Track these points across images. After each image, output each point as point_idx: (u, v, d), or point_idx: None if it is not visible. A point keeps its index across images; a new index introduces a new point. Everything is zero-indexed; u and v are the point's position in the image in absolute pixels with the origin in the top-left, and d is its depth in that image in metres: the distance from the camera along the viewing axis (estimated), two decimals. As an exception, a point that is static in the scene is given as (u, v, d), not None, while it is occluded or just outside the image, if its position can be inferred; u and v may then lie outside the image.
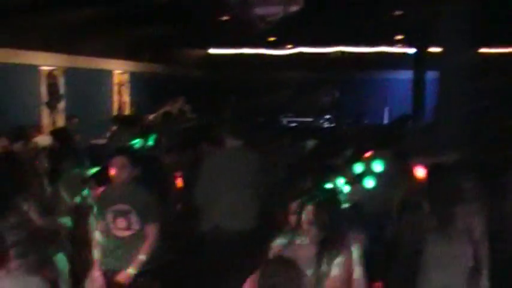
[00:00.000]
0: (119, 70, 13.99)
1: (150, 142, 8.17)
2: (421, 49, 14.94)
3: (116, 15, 10.36)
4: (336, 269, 3.47)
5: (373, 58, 16.78)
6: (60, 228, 5.87)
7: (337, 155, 6.71)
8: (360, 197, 5.65)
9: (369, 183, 6.01)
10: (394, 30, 13.26)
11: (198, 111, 14.95)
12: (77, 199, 5.93)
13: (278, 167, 7.44)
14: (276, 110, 15.72)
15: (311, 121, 15.29)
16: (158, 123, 11.00)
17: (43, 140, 8.87)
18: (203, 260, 6.67)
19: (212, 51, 18.71)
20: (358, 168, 6.29)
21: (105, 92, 13.49)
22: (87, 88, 12.52)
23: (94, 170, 6.18)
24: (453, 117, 7.25)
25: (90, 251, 5.14)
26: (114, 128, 10.29)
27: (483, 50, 12.35)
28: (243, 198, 5.65)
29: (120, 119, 10.61)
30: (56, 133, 7.61)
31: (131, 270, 4.65)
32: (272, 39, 14.67)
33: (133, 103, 14.45)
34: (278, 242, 3.71)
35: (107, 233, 4.81)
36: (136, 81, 14.73)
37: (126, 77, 14.29)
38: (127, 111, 14.01)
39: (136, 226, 4.71)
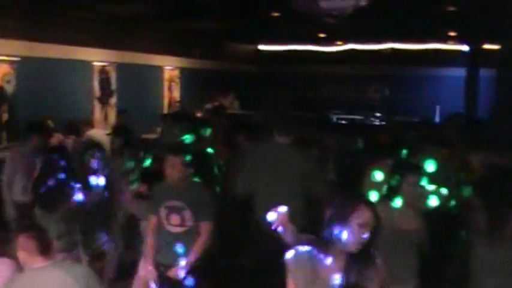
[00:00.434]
0: (170, 66, 14.12)
1: (204, 134, 8.19)
2: (475, 46, 14.64)
3: (167, 12, 10.46)
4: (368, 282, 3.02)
5: (425, 55, 16.51)
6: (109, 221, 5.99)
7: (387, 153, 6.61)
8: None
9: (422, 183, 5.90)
10: (447, 27, 12.99)
11: (247, 107, 15.01)
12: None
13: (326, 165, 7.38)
14: (324, 107, 15.59)
15: (361, 118, 15.10)
16: (209, 117, 11.06)
17: (96, 133, 9.02)
18: (249, 257, 6.69)
19: (262, 46, 18.72)
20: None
21: (156, 87, 13.64)
22: (138, 83, 12.70)
23: (145, 165, 6.24)
24: (510, 115, 7.05)
25: (141, 244, 5.22)
26: (165, 123, 10.39)
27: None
28: (288, 195, 5.58)
29: (171, 115, 10.69)
30: (116, 129, 7.68)
31: (182, 266, 4.69)
32: (322, 35, 14.57)
33: (183, 98, 14.56)
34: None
35: (159, 228, 4.85)
36: (187, 77, 14.84)
37: (176, 72, 14.42)
38: (177, 106, 14.10)
39: (189, 223, 4.74)
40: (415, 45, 16.21)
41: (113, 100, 11.73)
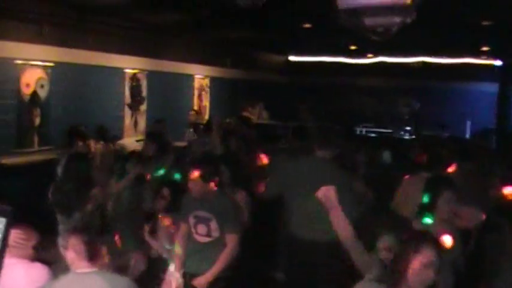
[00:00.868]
0: (200, 75, 14.20)
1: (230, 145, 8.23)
2: (508, 61, 14.47)
3: (198, 21, 10.54)
4: None
5: (456, 69, 16.36)
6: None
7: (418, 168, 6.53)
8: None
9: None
10: (480, 41, 12.86)
11: (276, 117, 15.01)
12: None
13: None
14: (354, 119, 15.52)
15: (390, 132, 15.00)
16: (236, 127, 11.10)
17: (130, 142, 9.12)
18: (278, 269, 6.65)
19: (293, 57, 18.74)
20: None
21: (186, 95, 13.72)
22: (169, 91, 12.79)
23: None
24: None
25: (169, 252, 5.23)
26: (194, 131, 10.46)
27: None
28: (316, 212, 5.51)
29: (200, 123, 10.76)
30: (153, 137, 7.74)
31: (208, 276, 4.69)
32: (353, 47, 14.53)
33: (212, 107, 14.63)
34: None
35: (188, 236, 4.87)
36: (217, 86, 14.91)
37: (206, 81, 14.49)
38: (207, 115, 14.18)
39: (216, 234, 4.73)
40: (447, 59, 16.08)
41: (143, 107, 11.83)
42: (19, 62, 8.59)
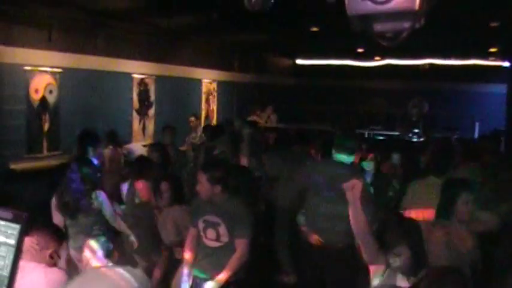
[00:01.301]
0: (208, 79, 14.22)
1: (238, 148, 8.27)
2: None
3: (206, 25, 10.56)
4: None
5: (464, 70, 16.33)
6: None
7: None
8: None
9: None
10: (488, 42, 12.83)
11: (286, 120, 15.02)
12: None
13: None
14: (362, 122, 15.50)
15: (399, 134, 14.94)
16: (244, 131, 11.11)
17: (137, 147, 9.16)
18: (295, 273, 6.63)
19: (300, 60, 18.75)
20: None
21: (194, 100, 13.74)
22: (177, 96, 12.81)
23: None
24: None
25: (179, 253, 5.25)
26: (202, 135, 10.48)
27: None
28: (335, 213, 5.50)
29: (208, 127, 10.78)
30: (155, 147, 7.88)
31: (217, 281, 4.68)
32: (360, 50, 14.53)
33: (221, 112, 14.65)
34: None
35: (198, 240, 4.87)
36: (225, 90, 14.93)
37: (214, 85, 14.51)
38: (215, 119, 14.20)
39: (225, 239, 4.72)
40: (455, 60, 16.05)
41: (151, 112, 11.85)
42: (28, 68, 8.63)
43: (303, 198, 5.62)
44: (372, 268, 3.52)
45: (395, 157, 8.45)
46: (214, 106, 14.55)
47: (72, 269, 5.24)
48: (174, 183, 5.64)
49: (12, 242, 1.91)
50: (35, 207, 5.81)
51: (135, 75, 11.29)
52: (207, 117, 14.10)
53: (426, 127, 15.23)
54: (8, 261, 1.93)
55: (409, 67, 16.69)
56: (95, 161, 6.68)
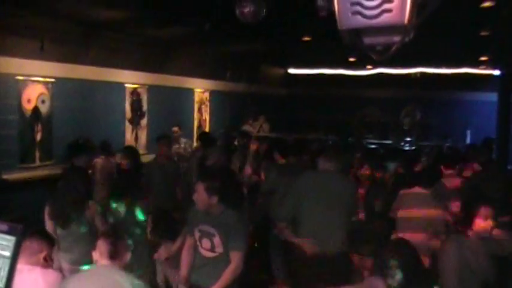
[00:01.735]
0: (200, 88, 14.23)
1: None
2: (506, 70, 14.51)
3: (198, 35, 10.57)
4: None
5: (456, 79, 16.41)
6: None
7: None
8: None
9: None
10: (479, 51, 12.91)
11: (278, 129, 15.03)
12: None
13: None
14: (354, 131, 15.55)
15: (391, 143, 15.00)
16: (237, 141, 11.15)
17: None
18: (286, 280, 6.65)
19: (293, 70, 18.80)
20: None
21: (187, 109, 13.74)
22: (169, 105, 12.80)
23: None
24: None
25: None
26: (196, 145, 10.48)
27: None
28: (331, 222, 5.54)
29: (200, 137, 10.78)
30: (126, 154, 7.91)
31: None
32: (352, 59, 14.58)
33: (213, 121, 14.66)
34: None
35: (194, 249, 4.88)
36: (217, 99, 14.94)
37: (206, 95, 14.52)
38: (207, 129, 14.21)
39: (219, 250, 4.72)
40: (446, 69, 16.13)
41: (144, 122, 11.84)
42: (20, 77, 8.63)
43: (298, 207, 5.65)
44: None
45: (388, 165, 8.50)
46: (206, 115, 14.55)
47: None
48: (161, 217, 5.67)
49: (8, 254, 1.92)
50: (28, 215, 5.81)
51: (127, 85, 11.29)
52: (199, 126, 14.10)
53: (418, 135, 15.32)
54: (4, 273, 1.93)
55: (401, 76, 16.76)
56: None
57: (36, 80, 8.93)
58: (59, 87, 9.34)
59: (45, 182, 7.20)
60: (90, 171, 7.74)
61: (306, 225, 5.58)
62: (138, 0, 7.81)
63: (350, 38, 3.28)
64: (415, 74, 16.78)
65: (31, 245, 3.66)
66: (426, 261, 4.76)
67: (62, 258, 5.55)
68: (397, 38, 3.22)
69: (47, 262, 3.76)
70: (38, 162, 9.03)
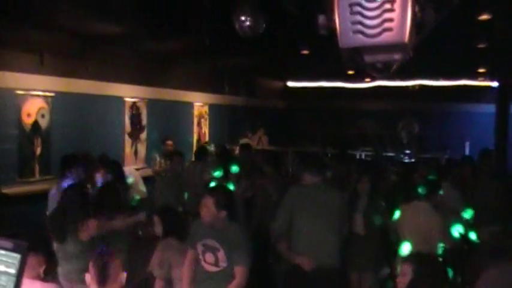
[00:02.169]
0: (199, 102, 14.26)
1: (233, 170, 8.31)
2: (504, 82, 14.55)
3: (197, 50, 10.61)
4: None
5: (454, 91, 16.46)
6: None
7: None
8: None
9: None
10: (477, 63, 12.97)
11: (277, 142, 15.04)
12: None
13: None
14: (353, 143, 15.56)
15: (390, 156, 14.99)
16: (237, 154, 11.16)
17: (130, 171, 9.16)
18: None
19: (291, 83, 18.84)
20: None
21: (186, 123, 13.76)
22: (168, 119, 12.82)
23: None
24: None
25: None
26: (194, 159, 10.47)
27: None
28: (322, 236, 5.56)
29: (200, 150, 10.78)
30: (108, 164, 7.92)
31: None
32: (351, 72, 14.62)
33: (212, 134, 14.68)
34: None
35: (196, 263, 4.84)
36: (216, 113, 14.96)
37: (205, 108, 14.54)
38: (206, 142, 14.21)
39: (223, 264, 4.68)
40: (445, 81, 16.18)
41: (143, 135, 11.85)
42: (20, 92, 8.65)
43: (288, 223, 5.67)
44: None
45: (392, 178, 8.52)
46: (206, 129, 14.57)
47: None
48: (165, 216, 5.57)
49: (13, 271, 1.92)
50: (27, 229, 5.80)
51: (127, 99, 11.31)
52: (198, 140, 14.11)
53: (417, 148, 15.33)
54: (9, 290, 1.93)
55: (399, 88, 16.79)
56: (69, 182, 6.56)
57: (36, 94, 8.96)
58: (59, 101, 9.36)
59: (45, 196, 7.16)
60: (89, 186, 7.71)
61: (298, 241, 5.59)
62: (138, 14, 7.85)
63: (351, 56, 3.33)
64: (414, 86, 16.82)
65: (31, 258, 3.65)
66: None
67: (60, 272, 5.53)
68: (397, 56, 3.27)
69: (47, 276, 3.77)
70: (37, 176, 9.03)
